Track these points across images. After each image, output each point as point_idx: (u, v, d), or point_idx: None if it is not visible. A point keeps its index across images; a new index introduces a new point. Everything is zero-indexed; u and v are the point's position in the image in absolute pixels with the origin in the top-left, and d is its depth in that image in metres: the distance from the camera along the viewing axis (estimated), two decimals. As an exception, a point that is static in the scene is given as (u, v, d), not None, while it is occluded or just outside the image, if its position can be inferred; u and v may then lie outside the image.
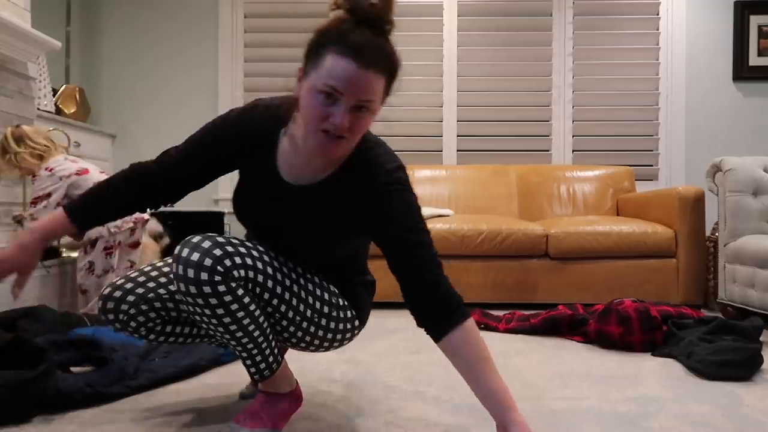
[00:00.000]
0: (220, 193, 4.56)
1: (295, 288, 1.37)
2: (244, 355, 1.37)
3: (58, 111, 3.97)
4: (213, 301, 1.25)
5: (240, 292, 1.27)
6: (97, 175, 2.89)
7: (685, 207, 3.38)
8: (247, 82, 4.59)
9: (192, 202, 4.49)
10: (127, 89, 4.62)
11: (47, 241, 1.41)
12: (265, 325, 1.35)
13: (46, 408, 1.61)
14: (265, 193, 1.41)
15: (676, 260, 3.39)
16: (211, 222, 4.24)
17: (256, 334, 1.34)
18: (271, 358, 1.40)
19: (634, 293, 3.27)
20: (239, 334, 1.31)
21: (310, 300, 1.40)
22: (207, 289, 1.23)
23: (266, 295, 1.33)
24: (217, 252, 1.24)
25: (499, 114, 4.50)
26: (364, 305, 1.55)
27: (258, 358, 1.38)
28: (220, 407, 1.68)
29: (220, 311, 1.26)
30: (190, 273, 1.22)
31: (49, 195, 2.74)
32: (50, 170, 2.77)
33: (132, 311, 1.45)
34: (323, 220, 1.37)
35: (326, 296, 1.44)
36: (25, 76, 3.27)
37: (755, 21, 4.43)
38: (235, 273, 1.26)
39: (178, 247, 1.27)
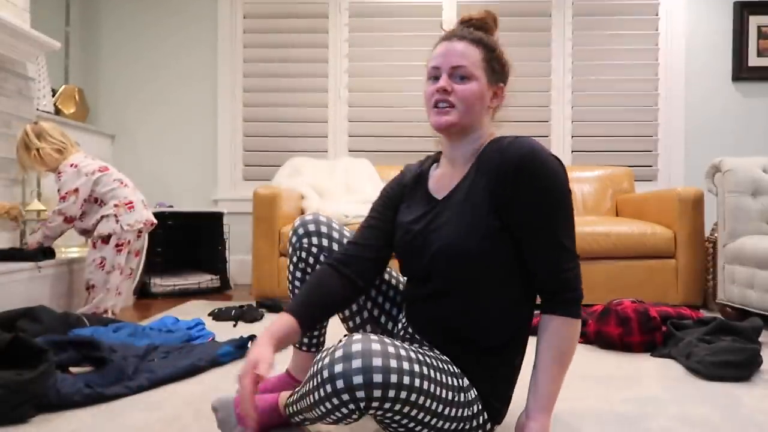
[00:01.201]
0: (219, 193, 4.56)
1: (433, 421, 1.23)
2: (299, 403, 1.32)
3: (57, 111, 3.97)
4: (326, 403, 1.16)
5: (349, 418, 1.19)
6: (115, 172, 2.96)
7: (685, 208, 3.38)
8: (246, 82, 4.59)
9: (192, 203, 4.51)
10: (127, 89, 4.62)
11: (281, 348, 1.31)
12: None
13: (46, 408, 1.61)
14: (417, 215, 1.43)
15: (675, 261, 3.39)
16: (211, 222, 4.24)
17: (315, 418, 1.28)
18: (298, 418, 1.37)
19: (633, 294, 3.26)
20: (310, 412, 1.25)
21: (440, 425, 1.25)
22: (334, 401, 1.14)
23: (387, 420, 1.21)
24: (377, 393, 1.12)
25: (498, 114, 4.49)
26: (499, 410, 1.39)
27: (295, 407, 1.33)
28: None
29: (319, 406, 1.18)
30: (339, 384, 1.12)
31: (77, 190, 2.81)
32: (75, 166, 2.84)
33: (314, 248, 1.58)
34: (462, 217, 1.33)
35: (461, 412, 1.29)
36: (25, 77, 3.27)
37: (755, 21, 4.43)
38: (371, 411, 1.16)
39: (353, 338, 1.17)
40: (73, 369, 1.86)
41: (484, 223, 1.30)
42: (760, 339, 2.27)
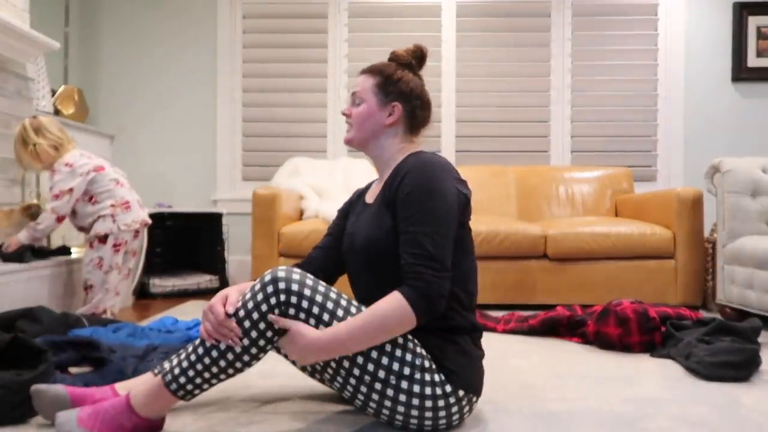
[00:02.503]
0: (219, 193, 4.56)
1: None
2: (203, 363, 1.42)
3: (57, 112, 3.96)
4: (250, 303, 1.40)
5: (269, 333, 1.40)
6: (111, 172, 2.92)
7: (684, 208, 3.38)
8: (246, 82, 4.59)
9: (191, 203, 4.50)
10: (126, 90, 4.61)
11: None
12: (229, 371, 1.43)
13: (45, 409, 1.61)
14: (353, 220, 1.70)
15: (674, 261, 3.40)
16: (210, 222, 4.24)
17: (220, 362, 1.41)
18: (190, 386, 1.42)
19: (632, 294, 3.27)
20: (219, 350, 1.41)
21: (375, 356, 1.43)
22: (259, 296, 1.40)
23: None
24: (294, 287, 1.40)
25: (497, 115, 4.50)
26: (462, 371, 1.49)
27: (191, 371, 1.41)
28: (218, 407, 1.68)
29: (243, 308, 1.40)
30: (266, 277, 1.41)
31: (71, 190, 2.78)
32: (70, 166, 2.80)
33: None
34: (374, 216, 1.57)
35: (408, 357, 1.44)
36: (24, 77, 3.27)
37: (754, 22, 4.43)
38: (290, 310, 1.40)
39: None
40: (72, 369, 1.86)
41: (385, 222, 1.52)
42: (760, 339, 2.27)
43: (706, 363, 2.02)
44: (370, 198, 1.69)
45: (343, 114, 1.67)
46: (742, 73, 4.44)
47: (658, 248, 3.39)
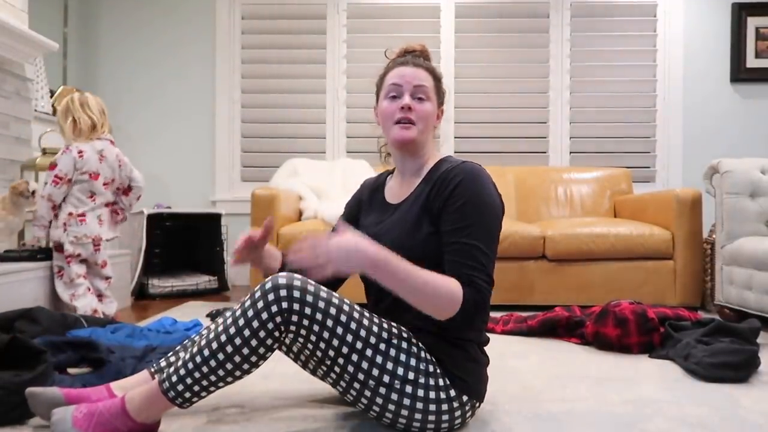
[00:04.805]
0: (217, 194, 4.56)
1: (368, 351, 1.40)
2: (203, 370, 1.39)
3: (55, 112, 3.96)
4: (249, 312, 1.36)
5: (269, 341, 1.37)
6: (100, 186, 2.87)
7: (683, 209, 3.38)
8: (244, 83, 4.59)
9: (190, 203, 4.50)
10: (125, 91, 4.61)
11: (261, 257, 1.68)
12: (228, 380, 1.40)
13: (43, 410, 1.60)
14: (375, 220, 1.64)
15: (673, 262, 3.40)
16: (209, 223, 4.24)
17: (222, 369, 1.37)
18: (188, 394, 1.39)
19: (631, 295, 3.27)
20: (227, 351, 1.37)
21: (380, 361, 1.40)
22: (259, 304, 1.36)
23: (322, 345, 1.39)
24: (296, 294, 1.36)
25: (496, 115, 4.51)
26: (468, 377, 1.48)
27: (189, 379, 1.38)
28: (217, 409, 1.68)
29: (242, 317, 1.37)
30: (267, 285, 1.38)
31: (69, 181, 2.79)
32: (81, 155, 2.80)
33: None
34: (408, 219, 1.52)
35: (412, 362, 1.42)
36: (23, 77, 3.27)
37: (753, 23, 4.44)
38: (291, 328, 1.37)
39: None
40: (71, 370, 1.86)
41: (423, 228, 1.49)
42: (758, 340, 2.27)
43: (705, 364, 2.03)
44: (393, 198, 1.64)
45: (407, 107, 1.54)
46: (741, 73, 4.45)
47: (657, 249, 3.39)
